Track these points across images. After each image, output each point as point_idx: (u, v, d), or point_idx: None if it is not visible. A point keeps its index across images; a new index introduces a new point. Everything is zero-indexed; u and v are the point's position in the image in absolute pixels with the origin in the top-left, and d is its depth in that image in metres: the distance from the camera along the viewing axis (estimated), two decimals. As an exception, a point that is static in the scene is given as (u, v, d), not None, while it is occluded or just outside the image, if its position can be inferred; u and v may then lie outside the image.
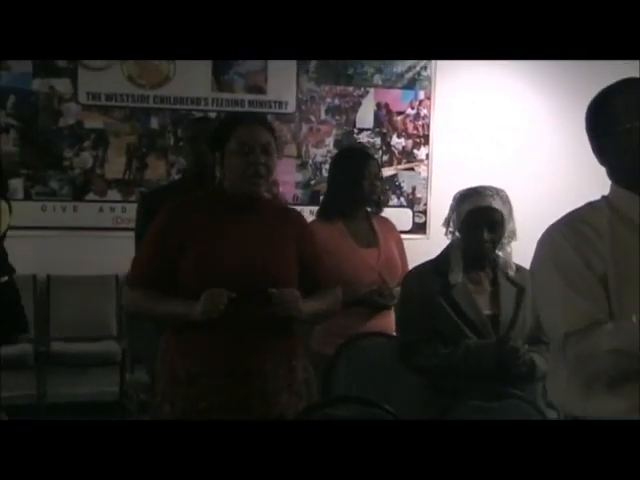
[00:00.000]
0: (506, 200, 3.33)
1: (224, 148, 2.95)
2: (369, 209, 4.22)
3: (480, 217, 3.26)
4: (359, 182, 4.05)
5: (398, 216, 6.10)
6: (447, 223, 3.41)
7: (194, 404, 2.91)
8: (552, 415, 3.17)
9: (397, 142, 7.10)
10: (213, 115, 6.37)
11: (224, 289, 2.82)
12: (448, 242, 3.44)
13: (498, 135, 7.22)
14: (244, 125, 2.97)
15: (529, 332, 3.35)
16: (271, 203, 3.18)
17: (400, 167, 7.12)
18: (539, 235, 2.32)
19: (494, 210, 3.27)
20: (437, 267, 3.35)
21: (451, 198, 3.43)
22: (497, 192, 3.32)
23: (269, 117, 6.69)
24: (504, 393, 3.18)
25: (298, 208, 6.60)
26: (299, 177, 6.92)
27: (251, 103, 6.74)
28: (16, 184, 6.32)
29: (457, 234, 3.37)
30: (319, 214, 4.25)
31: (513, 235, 3.37)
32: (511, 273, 3.37)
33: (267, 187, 3.00)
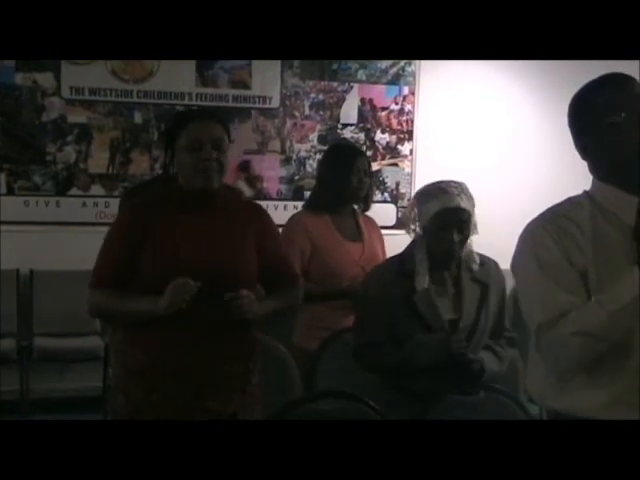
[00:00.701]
0: (470, 195, 3.27)
1: (174, 145, 2.94)
2: (356, 206, 4.23)
3: (449, 218, 3.20)
4: (347, 178, 4.06)
5: (382, 211, 6.10)
6: (408, 221, 3.34)
7: (147, 396, 2.90)
8: (534, 410, 3.18)
9: (381, 138, 7.09)
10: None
11: (189, 279, 2.78)
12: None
13: (482, 131, 7.24)
14: (195, 121, 2.95)
15: (491, 326, 3.33)
16: (232, 198, 3.14)
17: (384, 163, 7.11)
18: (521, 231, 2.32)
19: (463, 210, 3.21)
20: (402, 267, 3.29)
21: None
22: (462, 189, 3.24)
23: (253, 112, 6.71)
24: (485, 387, 3.20)
25: (282, 203, 6.72)
26: (283, 172, 6.89)
27: (235, 98, 6.72)
28: (-2, 179, 6.29)
29: (419, 231, 3.30)
30: (306, 206, 4.25)
31: (475, 228, 3.30)
32: (475, 267, 3.32)
33: (220, 182, 2.95)
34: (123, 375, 2.98)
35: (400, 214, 7.01)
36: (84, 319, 6.13)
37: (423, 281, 3.23)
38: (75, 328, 6.22)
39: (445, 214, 3.20)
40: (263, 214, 3.15)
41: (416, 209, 3.29)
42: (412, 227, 3.33)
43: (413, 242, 3.34)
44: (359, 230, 4.19)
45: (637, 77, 2.29)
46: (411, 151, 7.16)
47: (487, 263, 3.37)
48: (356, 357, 3.34)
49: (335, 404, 3.04)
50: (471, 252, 3.35)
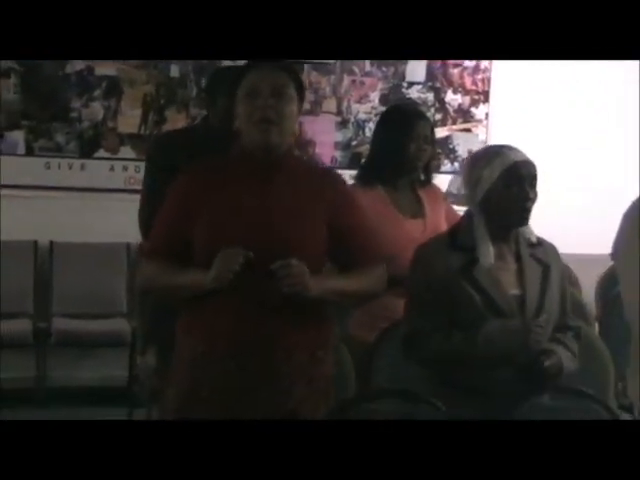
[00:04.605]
0: None
1: (236, 96, 2.95)
2: (420, 177, 4.17)
3: (521, 172, 3.21)
4: (406, 145, 4.01)
5: (451, 184, 6.04)
6: (469, 192, 3.30)
7: (196, 391, 2.90)
8: (625, 418, 3.14)
9: (452, 99, 7.05)
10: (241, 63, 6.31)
11: (240, 248, 2.79)
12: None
13: (569, 92, 7.12)
14: (255, 68, 2.97)
15: (555, 315, 3.31)
16: (301, 161, 3.14)
17: (455, 127, 7.08)
18: (615, 211, 2.27)
19: (533, 164, 3.24)
20: (455, 241, 3.28)
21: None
22: None
23: (306, 66, 6.68)
24: (572, 391, 3.15)
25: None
26: (338, 137, 6.88)
27: (286, 50, 6.67)
28: (16, 137, 6.33)
29: (475, 202, 3.28)
30: (358, 178, 4.22)
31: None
32: (534, 241, 3.32)
33: (281, 138, 2.92)
34: (176, 367, 3.01)
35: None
36: (109, 299, 6.30)
37: (488, 255, 3.23)
38: (99, 308, 6.27)
39: (516, 168, 3.21)
40: (338, 182, 3.13)
41: (472, 176, 3.27)
42: (466, 198, 3.35)
43: (466, 215, 3.34)
44: (419, 204, 4.15)
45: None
46: (487, 115, 7.12)
47: (545, 243, 3.38)
48: (409, 347, 3.31)
49: (396, 405, 3.01)
50: (530, 229, 3.35)
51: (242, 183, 2.94)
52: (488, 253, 3.22)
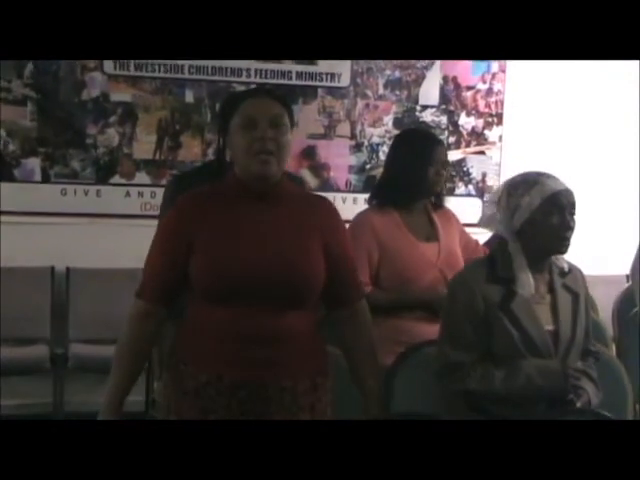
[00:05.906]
0: None
1: (229, 126, 2.93)
2: (432, 201, 4.16)
3: (561, 201, 3.20)
4: (423, 169, 3.99)
5: (466, 206, 6.05)
6: (505, 220, 3.28)
7: (203, 418, 2.88)
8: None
9: (466, 121, 7.03)
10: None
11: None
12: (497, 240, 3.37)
13: (583, 114, 7.10)
14: (250, 98, 2.95)
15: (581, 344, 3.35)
16: (293, 188, 3.10)
17: (469, 150, 7.06)
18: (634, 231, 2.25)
19: (571, 192, 3.23)
20: (493, 271, 3.27)
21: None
22: None
23: (320, 91, 6.68)
24: (590, 413, 3.15)
25: (351, 196, 6.67)
26: (352, 160, 6.87)
27: (299, 75, 6.69)
28: (33, 164, 6.33)
29: (511, 230, 3.27)
30: (371, 201, 4.18)
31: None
32: (565, 270, 3.32)
33: (279, 168, 2.91)
34: (175, 395, 2.98)
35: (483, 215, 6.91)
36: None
37: (528, 285, 3.22)
38: (116, 334, 6.18)
39: (556, 197, 3.20)
40: (331, 211, 3.09)
41: (509, 205, 3.23)
42: (501, 227, 3.31)
43: (502, 243, 3.30)
44: (433, 228, 4.14)
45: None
46: (500, 137, 7.09)
47: (574, 269, 3.39)
48: (450, 378, 3.28)
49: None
50: (562, 258, 3.36)
51: (239, 213, 2.92)
52: (528, 283, 3.21)
